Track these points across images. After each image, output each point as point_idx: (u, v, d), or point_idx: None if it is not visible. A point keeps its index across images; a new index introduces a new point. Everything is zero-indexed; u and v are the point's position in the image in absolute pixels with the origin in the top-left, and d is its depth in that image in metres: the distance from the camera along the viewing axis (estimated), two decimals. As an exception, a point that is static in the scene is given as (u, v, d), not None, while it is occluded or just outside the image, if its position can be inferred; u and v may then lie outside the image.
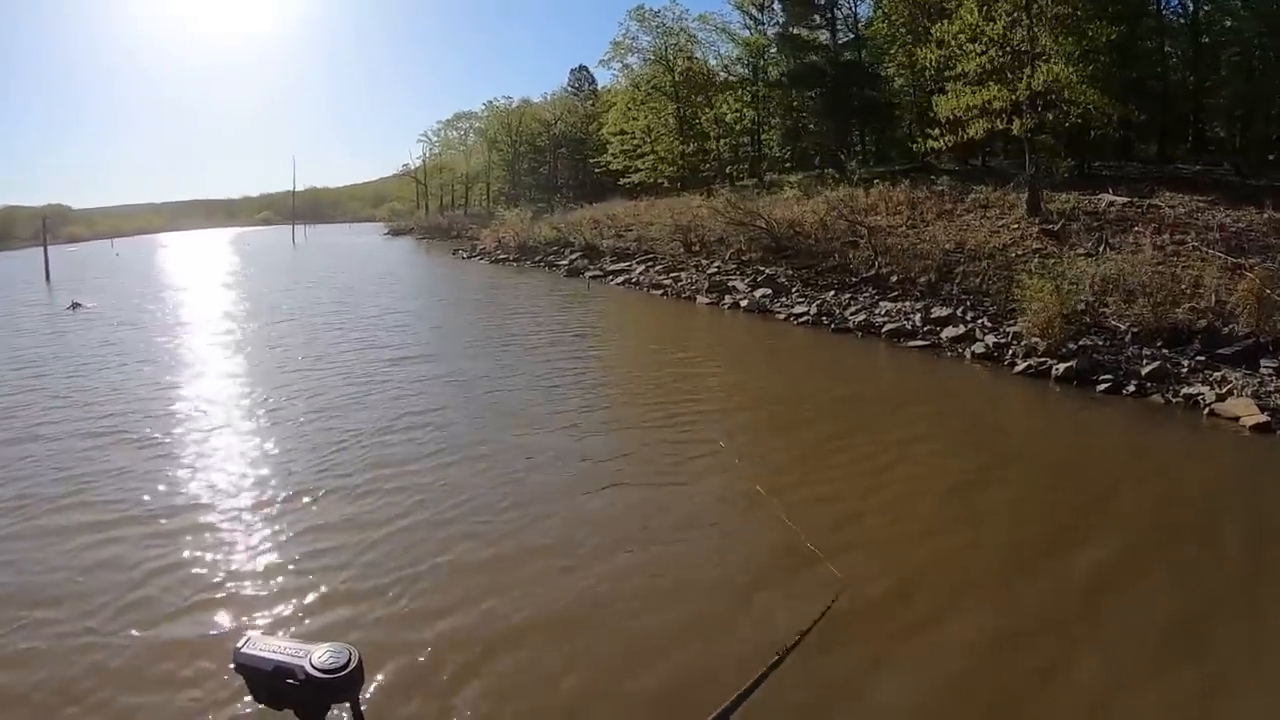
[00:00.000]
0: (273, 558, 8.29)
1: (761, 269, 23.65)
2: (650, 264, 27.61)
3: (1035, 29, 22.33)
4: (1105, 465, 11.82)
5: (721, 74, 47.83)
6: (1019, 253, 21.16)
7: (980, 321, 18.49)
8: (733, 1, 44.08)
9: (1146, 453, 12.69)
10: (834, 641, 6.43)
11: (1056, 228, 21.82)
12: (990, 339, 17.42)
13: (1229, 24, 29.97)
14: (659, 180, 47.50)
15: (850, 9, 39.97)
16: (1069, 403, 14.87)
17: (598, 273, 30.56)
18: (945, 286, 20.35)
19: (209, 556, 8.32)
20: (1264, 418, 13.72)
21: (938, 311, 19.09)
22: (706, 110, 45.89)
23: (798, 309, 20.73)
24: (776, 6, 42.97)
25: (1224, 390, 14.93)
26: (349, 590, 7.51)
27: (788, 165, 44.30)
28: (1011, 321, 18.19)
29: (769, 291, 22.03)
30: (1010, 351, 16.94)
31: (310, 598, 7.44)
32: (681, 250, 27.18)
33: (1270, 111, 28.72)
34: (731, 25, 45.66)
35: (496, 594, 7.36)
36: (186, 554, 8.35)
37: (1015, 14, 22.54)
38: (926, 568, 7.96)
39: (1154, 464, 12.07)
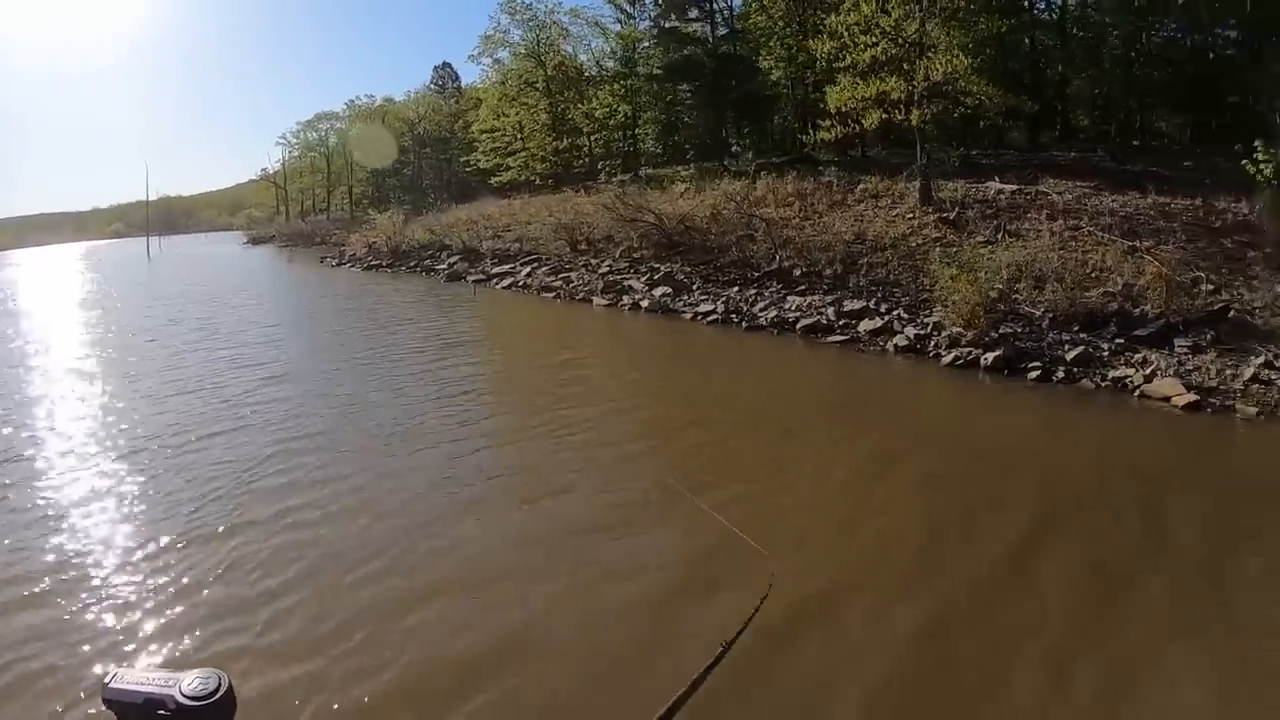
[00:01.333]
0: (149, 606, 7.57)
1: (656, 266, 23.87)
2: (536, 265, 27.36)
3: (928, 22, 23.80)
4: (1054, 451, 12.47)
5: (594, 69, 49.37)
6: (919, 242, 22.41)
7: (896, 313, 19.35)
8: (605, -5, 46.23)
9: (1091, 437, 13.49)
10: (774, 633, 6.52)
11: (953, 216, 23.35)
12: (911, 331, 18.22)
13: (1094, 19, 33.22)
14: (530, 178, 48.52)
15: (726, 2, 41.55)
16: (1003, 392, 15.62)
17: (480, 276, 29.95)
18: (852, 278, 21.23)
19: (69, 608, 7.55)
20: (1193, 397, 15.07)
21: (850, 305, 19.84)
22: (579, 105, 47.14)
23: (703, 307, 21.01)
24: (649, 0, 44.72)
25: (1149, 371, 16.32)
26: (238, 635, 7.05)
27: (662, 160, 45.75)
28: (927, 312, 19.19)
29: (669, 290, 22.24)
30: (933, 343, 17.76)
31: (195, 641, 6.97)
32: (568, 250, 27.10)
33: (1130, 102, 32.59)
34: (604, 19, 47.60)
35: (414, 633, 7.00)
36: (43, 611, 7.56)
37: (908, 7, 23.95)
38: (863, 559, 8.29)
39: (1102, 447, 12.89)
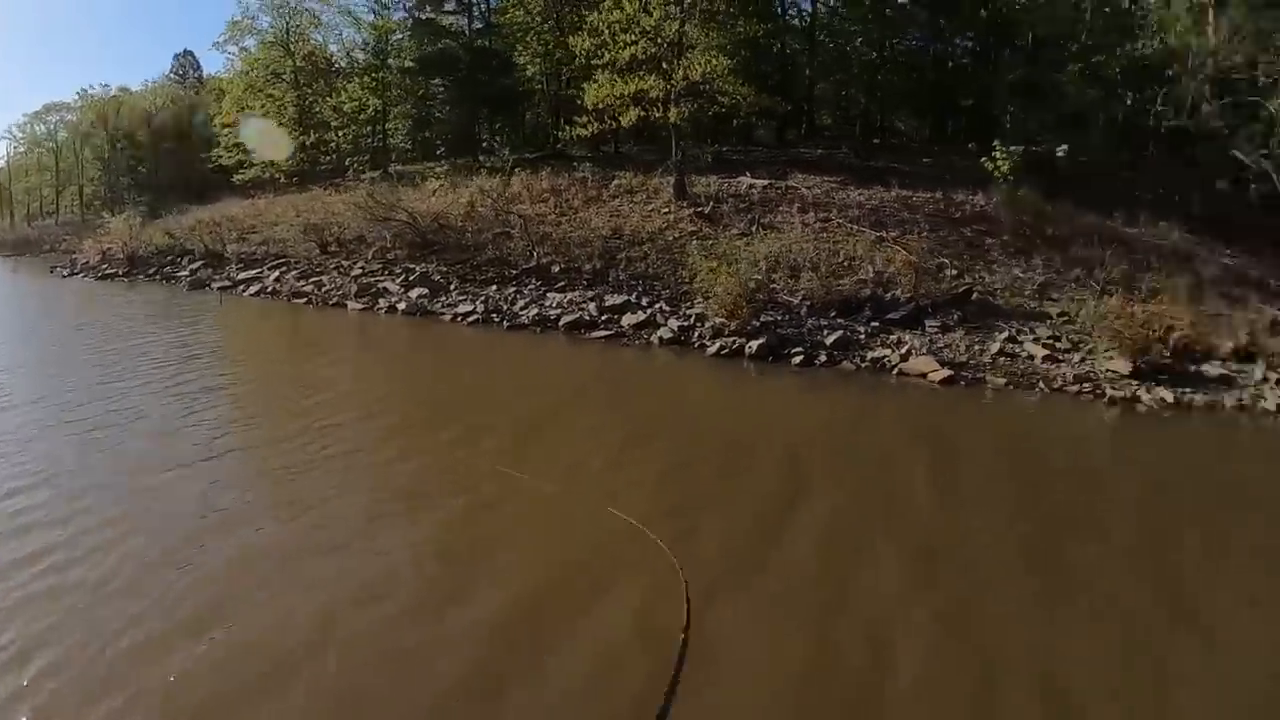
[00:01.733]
0: None
1: (411, 267, 22.69)
2: (285, 269, 25.29)
3: (687, 23, 24.28)
4: (829, 429, 12.89)
5: (344, 60, 47.63)
6: (676, 236, 22.64)
7: (659, 306, 19.31)
8: (358, -18, 44.47)
9: (850, 411, 14.14)
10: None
11: (708, 210, 23.84)
12: (674, 323, 18.18)
13: (841, 28, 35.84)
14: (275, 175, 45.58)
15: None
16: (767, 377, 15.82)
17: (226, 283, 27.37)
18: (611, 273, 21.08)
19: None
20: (947, 372, 16.13)
21: (612, 299, 19.64)
22: (328, 99, 45.31)
23: (462, 308, 20.08)
24: None
25: (904, 351, 17.22)
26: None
27: (413, 156, 44.60)
28: (689, 304, 19.34)
29: (425, 291, 21.13)
30: (697, 334, 17.83)
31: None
32: (318, 252, 25.31)
33: (874, 104, 35.32)
34: (356, 8, 45.82)
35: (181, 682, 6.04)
36: None
37: (669, 8, 24.32)
38: (612, 541, 8.26)
39: (858, 419, 13.57)
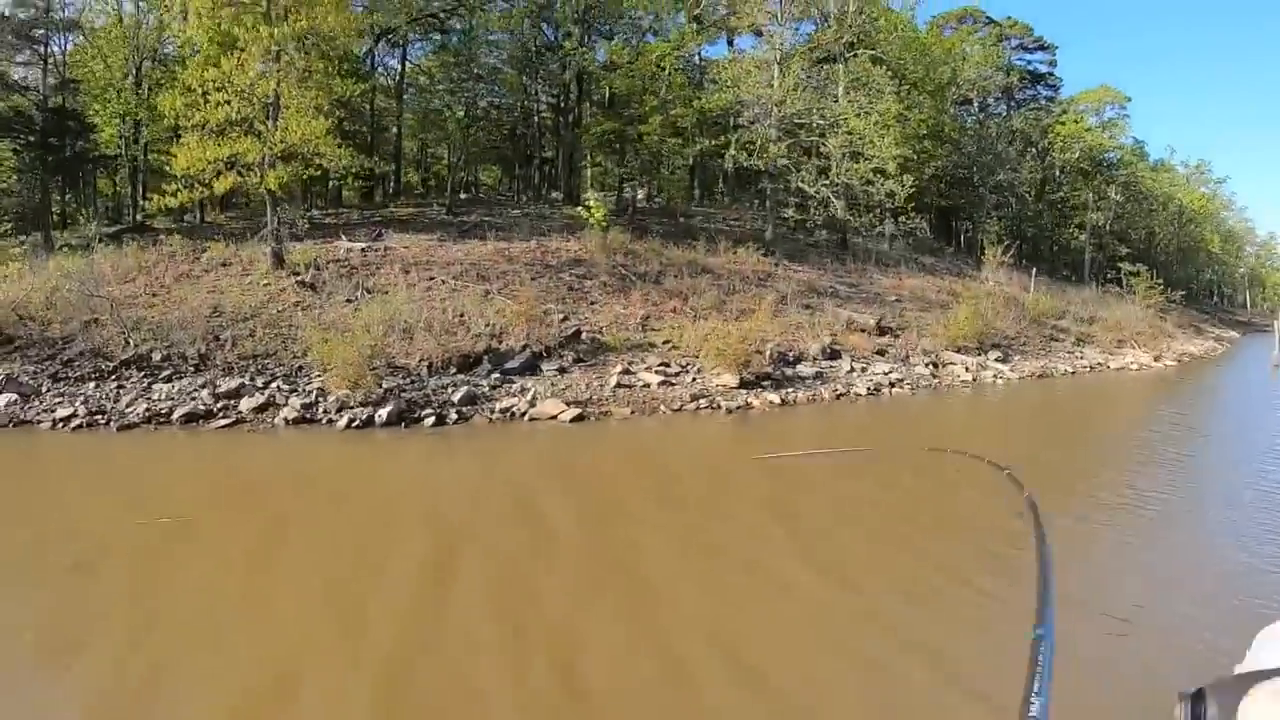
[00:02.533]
0: None
1: None
2: None
3: (283, 82, 23.97)
4: (449, 482, 13.98)
5: None
6: (281, 308, 22.45)
7: (275, 385, 19.12)
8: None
9: (482, 462, 15.18)
10: None
11: (309, 279, 24.01)
12: (296, 401, 18.18)
13: (430, 86, 37.68)
14: None
15: (63, 45, 36.53)
16: (401, 443, 16.21)
17: None
18: (218, 354, 20.40)
19: None
20: (575, 410, 17.97)
21: (225, 384, 19.08)
22: None
23: (60, 412, 18.21)
24: None
25: (530, 397, 18.88)
26: None
27: None
28: (307, 379, 19.48)
29: (15, 397, 18.96)
30: (321, 409, 18.01)
31: None
32: None
33: (462, 159, 37.61)
34: None
35: None
36: None
37: (265, 65, 23.87)
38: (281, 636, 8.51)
39: (489, 469, 14.73)
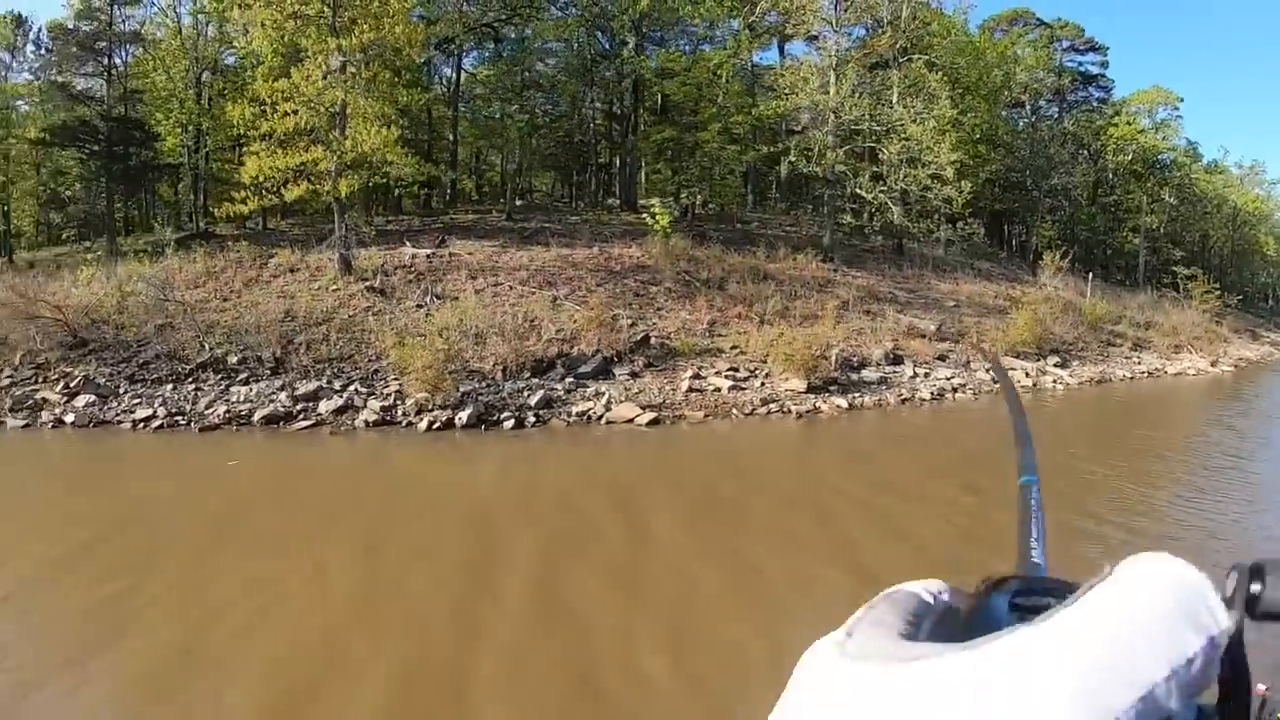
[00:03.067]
0: None
1: (69, 371, 20.83)
2: None
3: (349, 92, 24.55)
4: (537, 480, 14.29)
5: None
6: (352, 313, 23.02)
7: (353, 388, 19.72)
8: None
9: (575, 460, 15.63)
10: None
11: (377, 284, 24.62)
12: (375, 404, 18.66)
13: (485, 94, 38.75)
14: None
15: (125, 57, 37.60)
16: (488, 445, 16.73)
17: None
18: (293, 358, 21.00)
19: None
20: (650, 414, 18.39)
21: (303, 387, 19.61)
22: None
23: (140, 413, 18.79)
24: (30, 51, 39.05)
25: (605, 401, 19.32)
26: None
27: (38, 241, 40.18)
28: (384, 382, 20.05)
29: (94, 398, 19.61)
30: (400, 412, 18.56)
31: None
32: None
33: (522, 167, 38.27)
34: None
35: None
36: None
37: (332, 76, 24.47)
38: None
39: (581, 467, 15.10)
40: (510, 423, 17.96)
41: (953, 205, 32.39)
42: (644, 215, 28.73)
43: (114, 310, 23.50)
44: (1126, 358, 31.89)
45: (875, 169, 32.07)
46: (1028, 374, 26.11)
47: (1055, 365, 27.86)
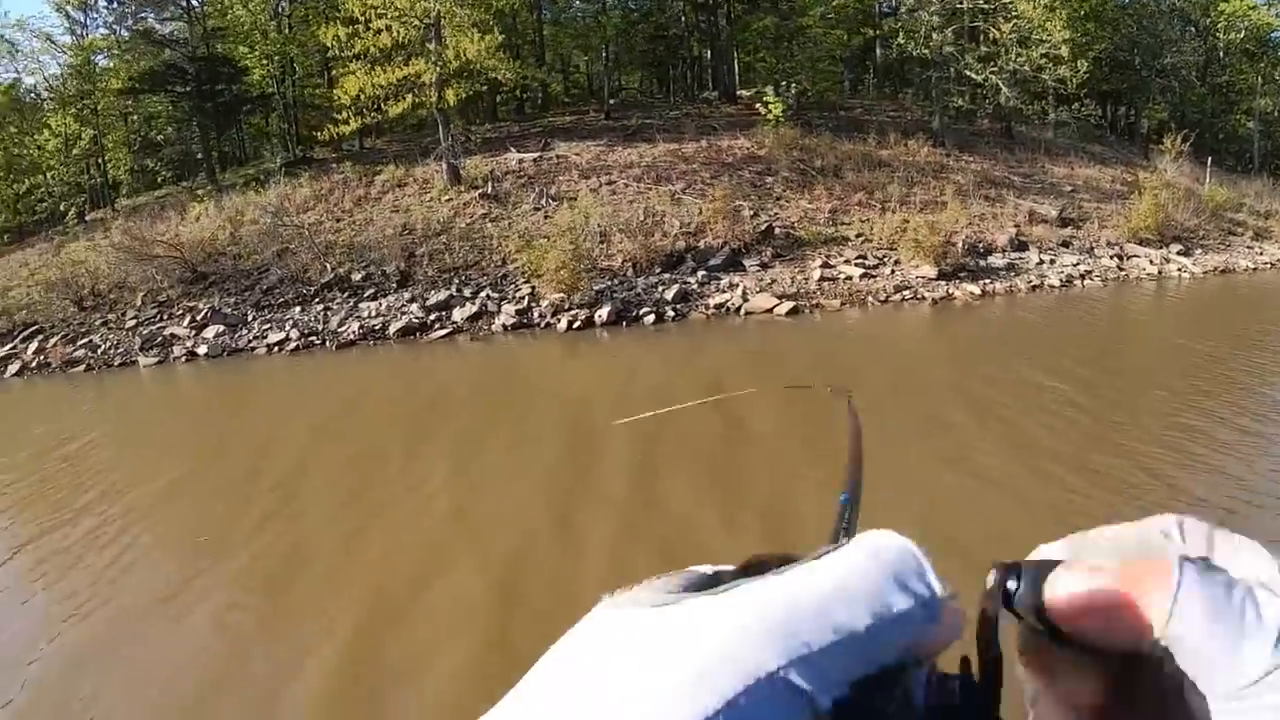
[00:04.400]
0: None
1: (193, 305, 21.42)
2: (44, 337, 22.45)
3: (444, 2, 24.24)
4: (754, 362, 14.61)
5: (44, 90, 42.90)
6: (468, 221, 23.25)
7: (484, 294, 20.11)
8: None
9: (757, 346, 16.20)
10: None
11: (490, 191, 24.81)
12: (509, 308, 18.90)
13: None
14: None
15: None
16: (640, 339, 17.17)
17: None
18: (418, 271, 21.43)
19: None
20: (789, 304, 18.41)
21: (434, 297, 20.01)
22: (33, 138, 40.98)
23: (272, 337, 19.28)
24: (103, 4, 39.67)
25: (741, 293, 19.37)
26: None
27: (136, 187, 41.13)
28: (513, 286, 20.32)
29: (222, 328, 20.18)
30: (537, 314, 18.89)
31: None
32: (74, 310, 22.90)
33: (600, 66, 38.03)
34: (53, 30, 42.42)
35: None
36: None
37: None
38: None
39: (757, 356, 15.44)
40: (650, 318, 18.16)
41: (1067, 86, 31.44)
42: (744, 107, 28.36)
43: (228, 242, 24.12)
44: (1249, 247, 30.88)
45: (985, 49, 31.15)
46: (1152, 262, 25.48)
47: (1178, 254, 27.18)
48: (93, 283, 24.00)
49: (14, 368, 21.18)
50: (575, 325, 18.06)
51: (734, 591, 0.44)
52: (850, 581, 0.44)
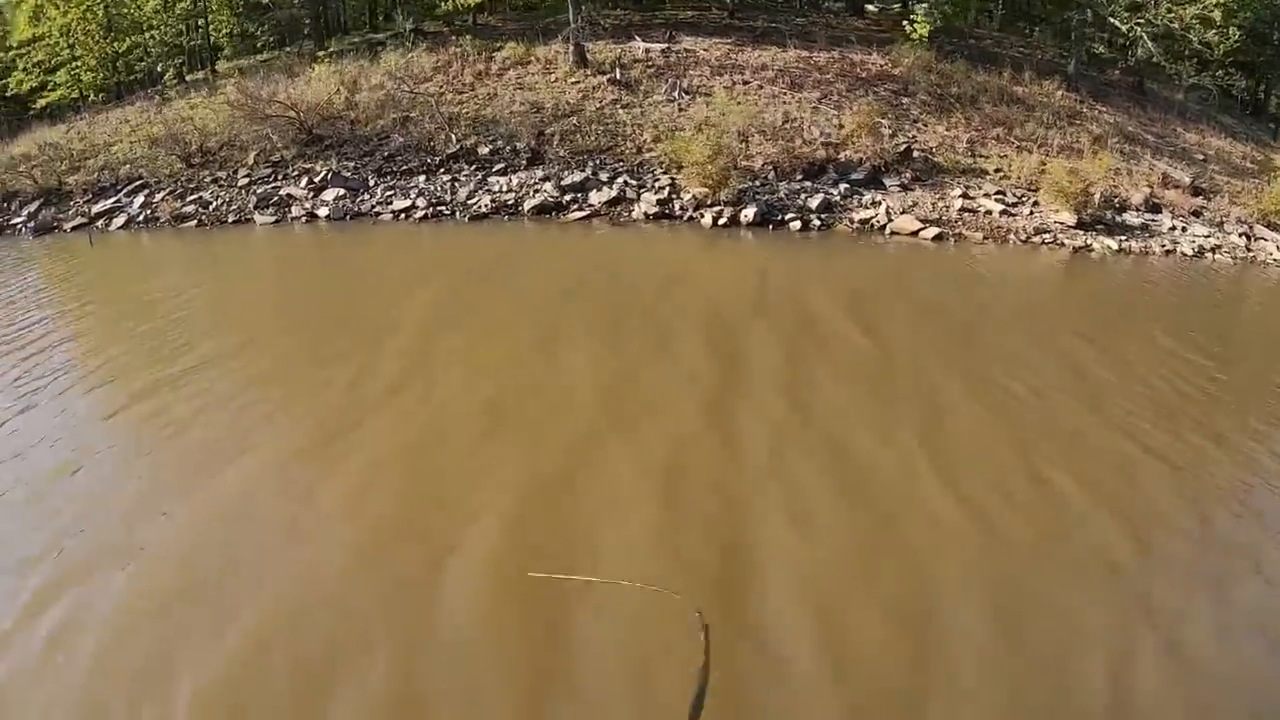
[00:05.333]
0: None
1: (308, 167, 21.64)
2: (150, 192, 22.72)
3: None
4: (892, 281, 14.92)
5: None
6: (598, 105, 23.30)
7: (622, 180, 20.25)
8: None
9: (906, 266, 16.50)
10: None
11: (619, 78, 24.78)
12: (650, 197, 19.17)
13: None
14: (85, 93, 40.49)
15: None
16: (789, 242, 17.68)
17: (81, 220, 23.23)
18: (548, 150, 21.57)
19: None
20: (935, 230, 18.48)
21: (569, 177, 20.21)
22: None
23: (397, 204, 19.52)
24: None
25: (885, 211, 19.43)
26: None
27: (236, 53, 40.95)
28: (652, 176, 20.52)
29: (342, 192, 20.36)
30: (677, 206, 19.16)
31: None
32: (182, 166, 23.12)
33: None
34: None
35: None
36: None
37: None
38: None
39: (921, 272, 15.73)
40: (796, 224, 18.43)
41: (1212, 50, 30.86)
42: (873, 22, 27.80)
43: (344, 106, 24.24)
44: (1384, 248, 30.52)
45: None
46: (1278, 247, 25.23)
47: (1311, 243, 26.86)
48: (201, 140, 24.32)
49: (119, 219, 21.63)
50: (720, 222, 18.29)
51: None
52: None
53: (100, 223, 22.18)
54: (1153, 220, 23.19)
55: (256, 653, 5.29)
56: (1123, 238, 21.00)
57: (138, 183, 23.54)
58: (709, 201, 18.91)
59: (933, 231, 18.48)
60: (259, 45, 40.43)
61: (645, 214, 18.83)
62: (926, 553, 6.21)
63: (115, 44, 40.71)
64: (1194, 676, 5.02)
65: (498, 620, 5.52)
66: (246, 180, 22.24)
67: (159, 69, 38.88)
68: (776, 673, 4.98)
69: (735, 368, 9.66)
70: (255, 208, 20.87)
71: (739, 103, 23.19)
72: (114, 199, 23.09)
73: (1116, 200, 23.13)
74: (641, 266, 15.31)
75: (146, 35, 41.31)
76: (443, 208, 19.78)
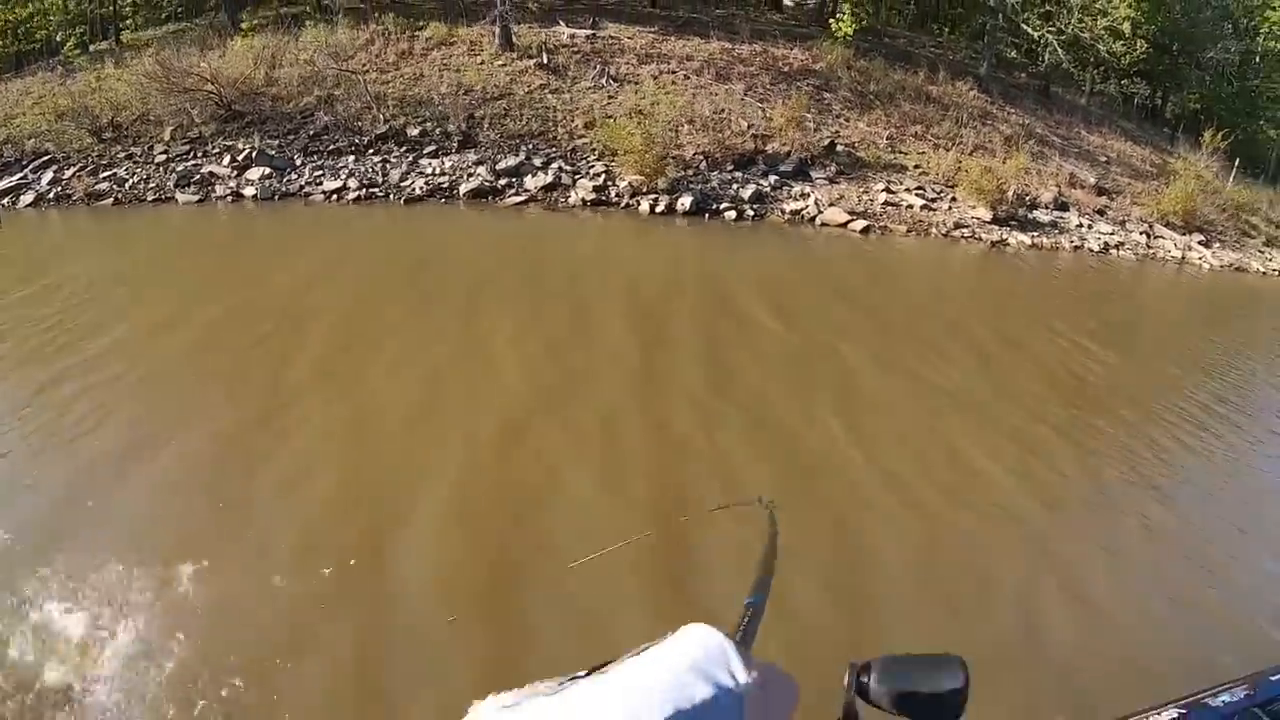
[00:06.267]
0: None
1: (231, 144, 21.68)
2: (59, 168, 22.18)
3: None
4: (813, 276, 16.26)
5: None
6: (527, 89, 24.09)
7: (557, 166, 21.11)
8: None
9: (834, 258, 17.78)
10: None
11: (547, 62, 25.59)
12: (586, 184, 20.15)
13: None
14: None
15: None
16: (724, 231, 18.90)
17: None
18: (480, 133, 22.23)
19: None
20: (863, 222, 20.00)
21: (504, 161, 20.96)
22: None
23: (328, 184, 20.51)
24: None
25: (814, 203, 20.79)
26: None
27: (140, 23, 40.14)
28: (586, 162, 21.45)
29: (268, 170, 20.54)
30: (614, 193, 20.13)
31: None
32: (92, 141, 22.75)
33: None
34: None
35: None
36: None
37: None
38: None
39: (848, 265, 17.04)
40: (731, 213, 19.72)
41: (1119, 61, 33.02)
42: (789, 16, 29.04)
43: (263, 82, 24.29)
44: (1261, 252, 32.84)
45: (1048, 7, 32.50)
46: (1176, 245, 27.24)
47: (1199, 243, 28.94)
48: (113, 113, 23.99)
49: (27, 197, 21.20)
50: (658, 210, 19.44)
51: (605, 676, 0.71)
52: (668, 677, 0.68)
53: (6, 200, 21.57)
54: (1061, 217, 24.97)
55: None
56: (1035, 233, 22.71)
57: (45, 158, 23.08)
58: (645, 190, 19.96)
59: (861, 224, 19.98)
60: (163, 15, 39.85)
61: (583, 200, 19.81)
62: (847, 511, 7.12)
63: (17, 10, 39.64)
64: (1091, 612, 6.11)
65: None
66: (164, 157, 22.15)
67: (58, 38, 37.99)
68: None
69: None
70: (176, 186, 20.78)
71: (668, 92, 24.35)
72: (19, 176, 22.55)
73: (1028, 198, 24.85)
74: (576, 251, 16.36)
75: (47, 2, 40.29)
76: (376, 189, 20.27)
